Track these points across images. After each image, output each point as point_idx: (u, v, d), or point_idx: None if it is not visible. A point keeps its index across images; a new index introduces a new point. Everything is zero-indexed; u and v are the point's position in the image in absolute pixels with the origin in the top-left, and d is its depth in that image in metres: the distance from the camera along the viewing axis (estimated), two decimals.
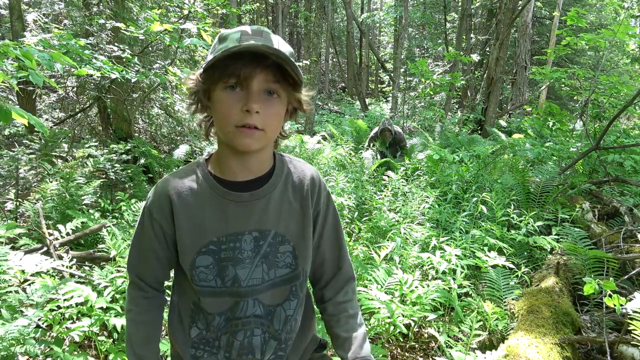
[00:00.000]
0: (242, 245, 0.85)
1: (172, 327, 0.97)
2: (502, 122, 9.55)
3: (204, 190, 0.87)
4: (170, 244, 0.89)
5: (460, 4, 12.62)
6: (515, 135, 6.71)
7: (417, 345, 2.40)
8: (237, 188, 0.87)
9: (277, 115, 0.83)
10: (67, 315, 2.09)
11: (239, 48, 0.74)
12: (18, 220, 3.64)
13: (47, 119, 6.40)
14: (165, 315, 1.01)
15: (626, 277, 2.68)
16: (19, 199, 3.63)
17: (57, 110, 6.87)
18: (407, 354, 2.33)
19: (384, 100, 18.02)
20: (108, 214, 3.72)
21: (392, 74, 14.15)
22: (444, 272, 2.64)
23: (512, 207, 3.63)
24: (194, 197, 0.86)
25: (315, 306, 1.06)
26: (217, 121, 0.83)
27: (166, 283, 1.02)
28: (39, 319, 2.00)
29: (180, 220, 0.86)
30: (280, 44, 0.80)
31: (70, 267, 2.58)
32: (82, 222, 3.19)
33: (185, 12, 4.80)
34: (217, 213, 0.85)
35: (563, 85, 7.42)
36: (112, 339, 2.12)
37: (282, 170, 0.92)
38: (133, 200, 3.66)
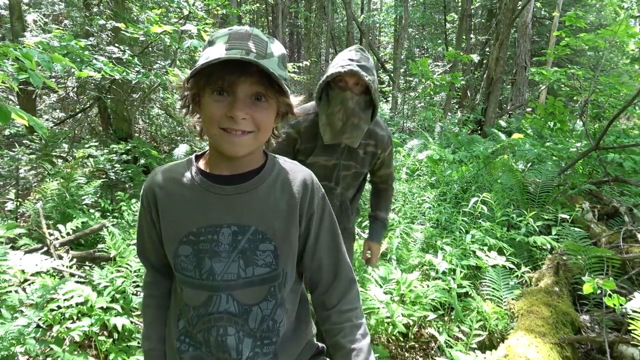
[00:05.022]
0: (220, 238, 0.86)
1: (168, 319, 0.99)
2: (502, 122, 9.56)
3: (187, 181, 0.89)
4: (159, 230, 0.92)
5: (460, 4, 12.62)
6: (515, 135, 6.71)
7: (417, 345, 2.40)
8: (221, 181, 0.88)
9: (266, 119, 0.84)
10: (67, 315, 2.09)
11: (218, 60, 0.76)
12: (18, 220, 3.64)
13: (47, 119, 6.41)
14: None
15: (626, 277, 2.69)
16: (19, 199, 3.63)
17: (58, 111, 6.88)
18: (407, 354, 2.34)
19: (384, 100, 18.02)
20: (108, 214, 3.72)
21: (392, 74, 14.16)
22: (444, 272, 2.65)
23: (512, 207, 3.63)
24: (177, 188, 0.89)
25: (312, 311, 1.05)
26: (204, 125, 0.85)
27: None
28: (39, 319, 2.00)
29: (163, 211, 0.89)
30: (271, 47, 0.81)
31: (70, 267, 2.58)
32: (82, 222, 3.19)
33: (185, 12, 4.80)
34: (197, 204, 0.87)
35: (563, 86, 7.43)
36: (112, 339, 2.13)
37: (272, 168, 0.91)
38: (133, 200, 3.67)
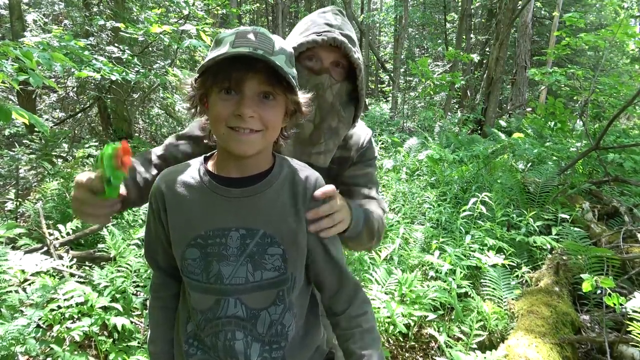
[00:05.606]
0: (228, 242, 0.85)
1: (176, 321, 0.98)
2: (502, 122, 9.56)
3: (195, 184, 0.88)
4: (168, 232, 0.91)
5: (460, 4, 12.63)
6: (515, 135, 6.72)
7: (417, 345, 2.40)
8: (229, 184, 0.87)
9: (274, 117, 0.83)
10: (67, 315, 2.09)
11: (226, 55, 0.75)
12: (18, 220, 3.65)
13: (47, 119, 6.41)
14: None
15: (626, 277, 2.69)
16: (19, 199, 3.63)
17: (58, 110, 6.88)
18: (407, 354, 2.34)
19: (384, 100, 18.02)
20: None
21: (392, 74, 14.16)
22: (445, 273, 2.65)
23: (512, 207, 3.62)
24: (185, 190, 0.87)
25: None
26: (211, 125, 0.84)
27: None
28: (39, 319, 2.00)
29: (171, 213, 0.88)
30: (278, 45, 0.81)
31: (70, 267, 2.58)
32: (83, 222, 3.19)
33: (185, 12, 4.80)
34: (205, 207, 0.86)
35: (563, 86, 7.43)
36: (112, 339, 2.13)
37: (281, 170, 0.90)
38: None
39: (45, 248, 2.72)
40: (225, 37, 0.81)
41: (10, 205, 3.72)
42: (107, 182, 0.84)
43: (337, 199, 0.94)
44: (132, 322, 2.14)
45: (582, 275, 2.11)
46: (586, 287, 2.01)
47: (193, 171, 0.89)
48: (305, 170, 0.92)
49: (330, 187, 0.91)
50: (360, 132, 1.21)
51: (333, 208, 0.90)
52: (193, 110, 0.87)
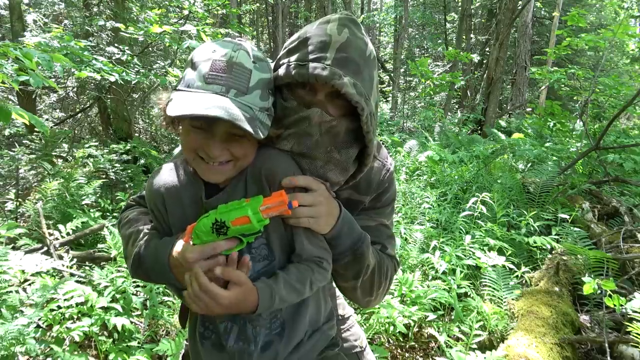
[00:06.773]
0: None
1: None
2: (502, 122, 9.56)
3: (187, 185, 0.91)
4: (169, 228, 0.94)
5: (460, 4, 12.63)
6: (515, 135, 6.71)
7: (417, 345, 2.40)
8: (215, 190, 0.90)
9: (244, 151, 0.83)
10: (67, 315, 2.09)
11: (192, 116, 0.73)
12: (18, 220, 3.65)
13: (47, 119, 6.41)
14: None
15: (626, 277, 2.69)
16: (19, 199, 3.63)
17: (58, 110, 6.88)
18: (407, 354, 2.34)
19: (384, 100, 18.02)
20: (108, 214, 3.72)
21: (392, 74, 14.15)
22: (444, 273, 2.65)
23: (512, 207, 3.62)
24: (179, 191, 0.90)
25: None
26: (182, 149, 0.87)
27: None
28: (39, 319, 2.00)
29: (170, 213, 0.91)
30: (255, 77, 0.79)
31: (71, 267, 2.58)
32: (83, 222, 3.19)
33: (185, 12, 4.80)
34: (194, 209, 0.89)
35: (563, 86, 7.44)
36: (112, 339, 2.13)
37: (245, 167, 0.88)
38: None
39: (45, 248, 2.72)
40: (201, 63, 0.79)
41: (10, 205, 3.72)
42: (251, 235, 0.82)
43: (314, 194, 0.85)
44: (132, 322, 2.14)
45: (583, 279, 2.11)
46: (587, 289, 2.01)
47: (187, 172, 0.92)
48: (268, 158, 0.88)
49: (300, 178, 0.85)
50: (378, 164, 0.99)
51: (296, 199, 0.83)
52: (170, 127, 0.90)
